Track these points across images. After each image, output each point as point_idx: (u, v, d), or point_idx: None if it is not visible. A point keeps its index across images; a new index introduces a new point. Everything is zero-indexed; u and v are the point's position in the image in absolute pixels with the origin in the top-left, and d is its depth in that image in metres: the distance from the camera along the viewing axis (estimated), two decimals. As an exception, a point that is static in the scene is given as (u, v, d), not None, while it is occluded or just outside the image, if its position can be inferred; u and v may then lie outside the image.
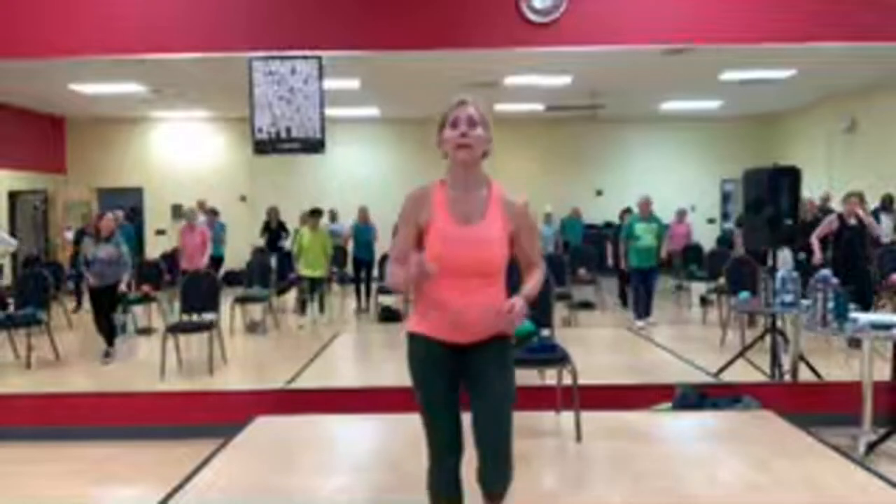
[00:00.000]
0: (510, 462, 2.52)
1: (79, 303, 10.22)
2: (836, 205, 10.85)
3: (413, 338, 2.51)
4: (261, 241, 11.45)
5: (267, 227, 11.31)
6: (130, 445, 4.68)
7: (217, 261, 10.11)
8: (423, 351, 2.48)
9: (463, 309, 2.40)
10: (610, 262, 10.31)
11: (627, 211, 11.00)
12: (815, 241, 7.32)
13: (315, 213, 9.42)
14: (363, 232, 10.47)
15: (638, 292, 8.66)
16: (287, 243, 11.02)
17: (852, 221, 7.25)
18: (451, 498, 2.53)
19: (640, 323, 8.47)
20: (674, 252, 10.40)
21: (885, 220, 9.41)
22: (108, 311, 7.20)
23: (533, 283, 2.49)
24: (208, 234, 9.09)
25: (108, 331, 7.18)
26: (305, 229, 9.37)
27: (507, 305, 2.33)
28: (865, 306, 6.67)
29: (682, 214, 11.07)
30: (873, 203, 9.53)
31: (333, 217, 12.44)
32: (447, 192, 2.45)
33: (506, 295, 2.46)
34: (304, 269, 9.20)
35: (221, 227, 11.21)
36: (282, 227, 11.31)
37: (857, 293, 6.67)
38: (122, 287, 7.28)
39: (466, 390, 2.52)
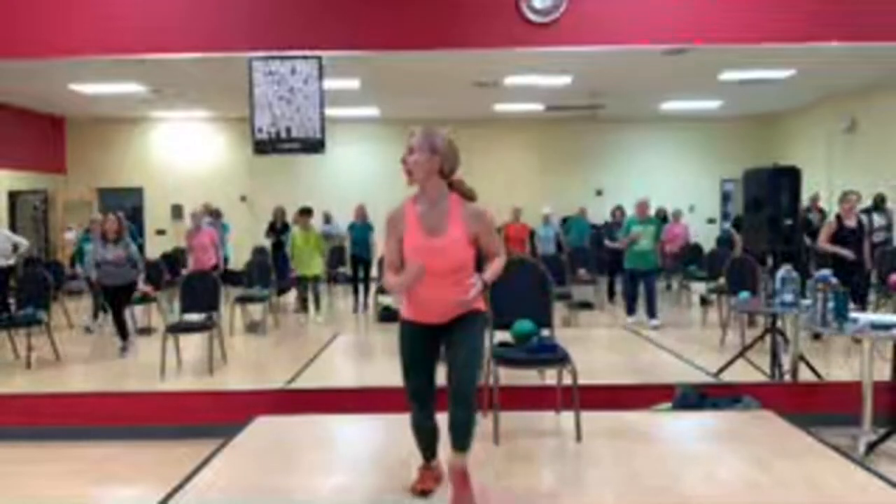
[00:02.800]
0: (472, 405, 3.02)
1: (96, 310, 8.93)
2: (824, 204, 10.90)
3: (403, 322, 3.17)
4: (265, 242, 11.44)
5: (273, 228, 11.32)
6: (130, 445, 4.69)
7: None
8: (409, 331, 3.12)
9: (438, 300, 3.01)
10: (607, 247, 10.37)
11: (619, 209, 11.01)
12: (828, 247, 7.02)
13: (305, 213, 9.40)
14: (360, 230, 10.44)
15: (634, 291, 8.67)
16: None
17: (850, 222, 7.08)
18: (427, 429, 3.18)
19: (630, 319, 8.59)
20: (671, 253, 10.41)
21: (878, 219, 9.40)
22: (121, 310, 7.36)
23: (493, 268, 3.06)
24: (215, 234, 9.08)
25: (120, 328, 7.34)
26: (297, 229, 9.35)
27: (470, 282, 2.92)
28: (862, 307, 6.66)
29: (677, 215, 11.06)
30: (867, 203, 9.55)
31: (327, 219, 12.42)
32: (417, 209, 3.04)
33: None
34: (298, 269, 9.20)
35: (226, 229, 11.19)
36: (287, 227, 11.31)
37: (854, 294, 6.61)
38: (140, 286, 7.37)
39: (445, 357, 3.09)
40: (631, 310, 8.71)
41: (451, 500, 3.02)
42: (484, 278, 2.97)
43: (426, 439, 3.21)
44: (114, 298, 7.37)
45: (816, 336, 6.75)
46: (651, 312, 8.49)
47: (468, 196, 3.08)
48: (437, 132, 3.00)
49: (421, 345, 3.09)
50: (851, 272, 6.75)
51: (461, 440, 3.01)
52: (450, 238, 2.96)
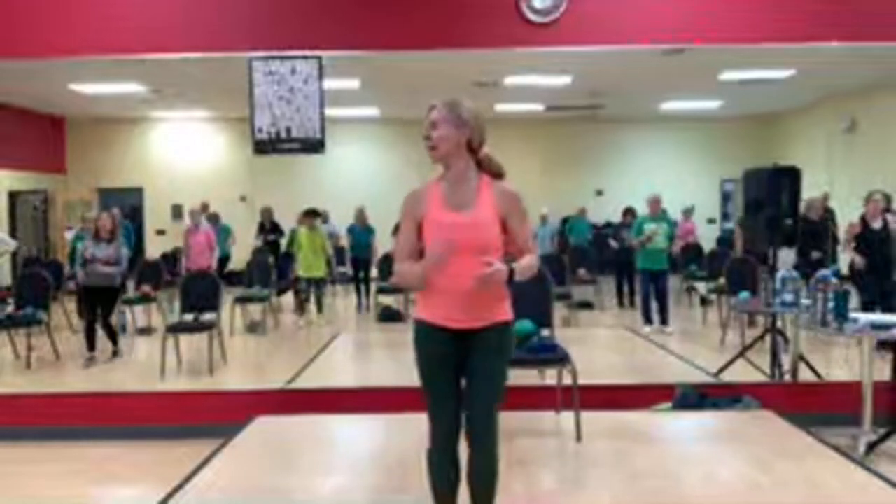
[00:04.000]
0: (495, 453, 2.64)
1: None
2: (833, 204, 10.87)
3: (418, 324, 2.69)
4: (258, 242, 11.45)
5: (262, 228, 11.31)
6: (130, 445, 4.68)
7: (222, 261, 10.12)
8: (426, 337, 2.66)
9: (461, 290, 2.54)
10: (614, 247, 10.39)
11: (630, 211, 10.97)
12: (849, 248, 6.79)
13: (311, 214, 9.41)
14: (361, 233, 10.45)
15: (648, 295, 8.24)
16: (282, 243, 11.04)
17: (876, 224, 6.77)
18: (447, 475, 2.66)
19: (647, 328, 8.12)
20: (682, 249, 10.34)
21: (891, 219, 9.36)
22: (107, 314, 7.12)
23: (525, 263, 2.62)
24: (213, 235, 9.08)
25: (109, 333, 7.15)
26: (302, 229, 9.35)
27: (489, 260, 2.47)
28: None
29: (688, 212, 11.05)
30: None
31: (325, 219, 12.40)
32: (441, 187, 2.68)
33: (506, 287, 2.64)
34: (301, 270, 9.20)
35: (226, 232, 11.16)
36: (275, 227, 11.30)
37: (885, 299, 6.44)
38: (113, 269, 6.99)
39: (464, 373, 2.67)
40: (648, 319, 8.23)
41: None
42: (513, 266, 2.56)
43: (444, 485, 2.66)
44: (96, 302, 7.04)
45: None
46: (663, 318, 8.12)
47: (497, 173, 2.71)
48: (463, 102, 2.65)
49: (443, 357, 2.63)
50: (878, 277, 6.57)
51: (484, 498, 2.62)
52: (477, 213, 2.59)
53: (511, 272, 2.52)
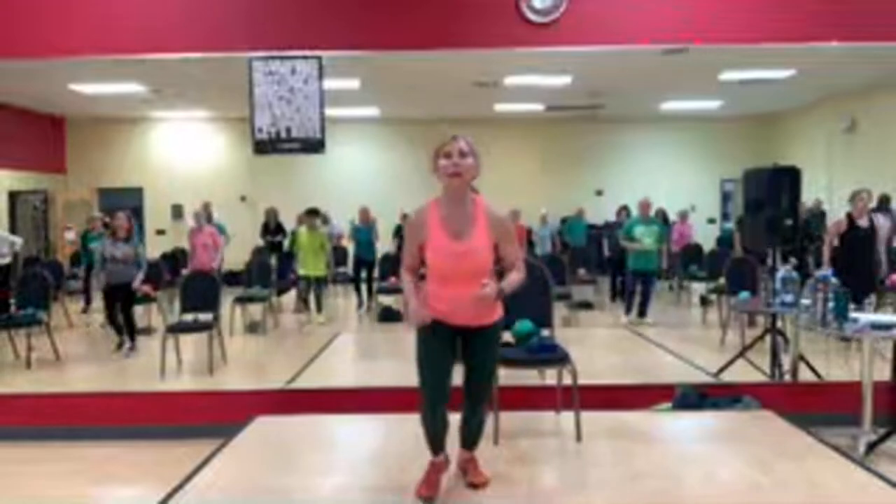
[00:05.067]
0: (486, 410, 3.28)
1: (87, 302, 10.13)
2: (832, 204, 10.92)
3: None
4: (261, 242, 11.45)
5: (266, 228, 11.31)
6: (130, 445, 4.69)
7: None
8: (429, 328, 3.08)
9: (459, 305, 3.01)
10: (607, 253, 10.52)
11: (625, 209, 11.01)
12: (827, 248, 6.83)
13: (311, 213, 9.43)
14: (363, 232, 10.46)
15: (633, 293, 8.70)
16: (285, 243, 11.03)
17: (862, 222, 6.79)
18: (438, 424, 3.21)
19: (625, 319, 8.65)
20: (676, 253, 10.39)
21: (883, 220, 9.37)
22: (127, 309, 7.35)
23: (512, 280, 3.09)
24: (217, 234, 9.07)
25: (129, 328, 7.34)
26: (302, 229, 9.37)
27: (483, 282, 2.93)
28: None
29: (684, 215, 11.08)
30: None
31: (325, 220, 12.41)
32: (440, 211, 3.06)
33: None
34: (302, 269, 9.21)
35: (221, 229, 11.15)
36: (279, 227, 11.31)
37: (859, 296, 6.54)
38: (136, 283, 7.31)
39: (463, 361, 3.17)
40: (629, 309, 8.76)
41: (467, 485, 3.31)
42: (502, 285, 3.02)
43: (436, 433, 3.22)
44: (118, 298, 7.30)
45: (845, 339, 6.51)
46: (642, 311, 8.58)
47: (473, 190, 3.18)
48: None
49: (440, 344, 3.09)
50: (860, 275, 6.49)
51: (473, 441, 3.32)
52: (474, 242, 3.00)
53: (501, 290, 3.00)
